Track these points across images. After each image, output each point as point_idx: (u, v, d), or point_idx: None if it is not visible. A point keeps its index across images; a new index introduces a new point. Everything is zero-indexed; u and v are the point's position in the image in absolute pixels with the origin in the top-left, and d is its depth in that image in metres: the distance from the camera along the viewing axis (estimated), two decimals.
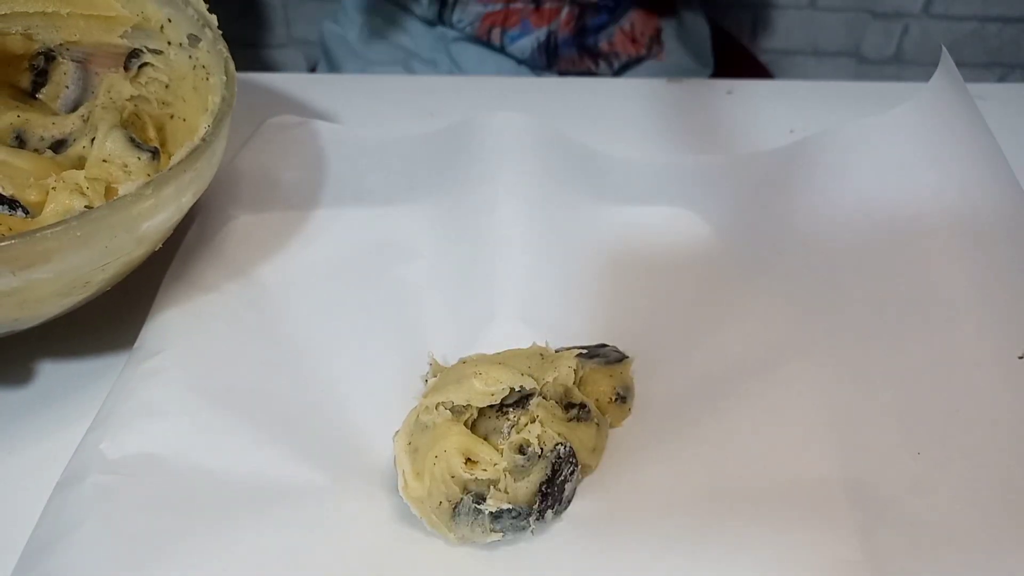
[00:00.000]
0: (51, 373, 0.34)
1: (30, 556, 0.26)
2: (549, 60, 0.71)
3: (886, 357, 0.31)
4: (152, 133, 0.37)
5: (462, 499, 0.26)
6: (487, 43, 0.71)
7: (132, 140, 0.35)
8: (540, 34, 0.70)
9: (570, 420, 0.29)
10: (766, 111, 0.47)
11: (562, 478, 0.27)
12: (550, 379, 0.29)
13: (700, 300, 0.36)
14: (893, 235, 0.34)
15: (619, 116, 0.48)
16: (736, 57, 0.80)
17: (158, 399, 0.30)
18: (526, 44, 0.71)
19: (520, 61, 0.72)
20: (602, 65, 0.72)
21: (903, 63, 1.18)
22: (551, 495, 0.27)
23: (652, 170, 0.42)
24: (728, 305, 0.35)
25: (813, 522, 0.27)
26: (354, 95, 0.49)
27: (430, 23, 0.72)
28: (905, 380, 0.30)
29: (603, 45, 0.72)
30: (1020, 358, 0.29)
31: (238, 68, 0.35)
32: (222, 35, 0.35)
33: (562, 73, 0.71)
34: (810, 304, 0.34)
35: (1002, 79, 1.21)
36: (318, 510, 0.28)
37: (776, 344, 0.33)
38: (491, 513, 0.26)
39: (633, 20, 0.72)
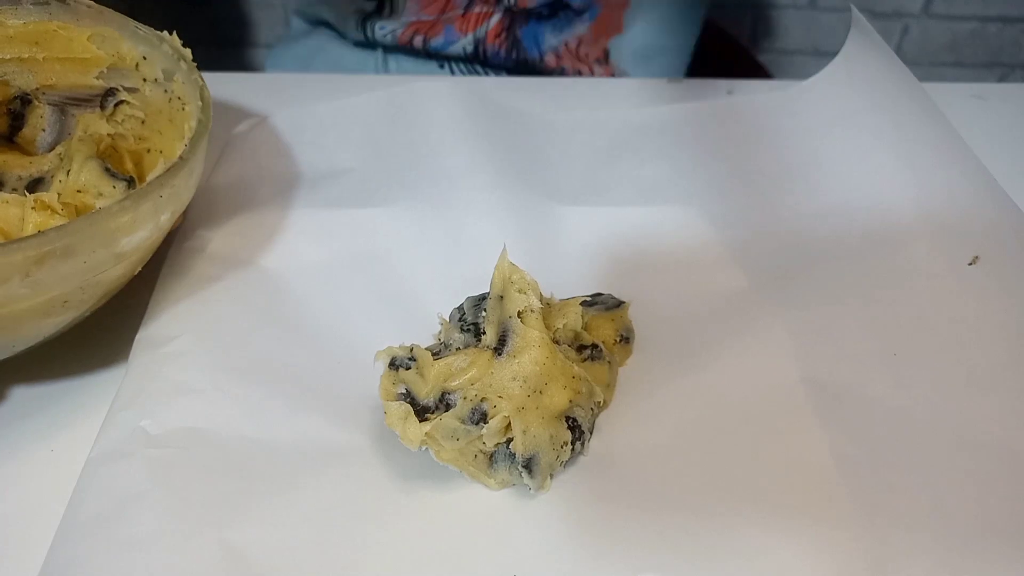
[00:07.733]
0: (24, 390, 0.33)
1: (80, 528, 0.26)
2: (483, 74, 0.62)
3: (850, 275, 0.34)
4: (129, 166, 0.37)
5: (496, 448, 0.28)
6: (412, 52, 0.63)
7: (107, 169, 0.34)
8: (466, 43, 0.61)
9: (584, 360, 0.31)
10: (766, 111, 0.47)
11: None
12: (560, 325, 0.30)
13: (696, 288, 0.37)
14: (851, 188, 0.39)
15: (619, 116, 0.47)
16: (736, 57, 0.80)
17: (190, 379, 0.31)
18: (453, 55, 0.62)
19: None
20: None
21: (903, 63, 1.17)
22: (575, 429, 0.28)
23: (653, 170, 0.42)
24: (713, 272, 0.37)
25: (784, 419, 0.30)
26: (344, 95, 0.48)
27: (361, 44, 0.65)
28: (872, 295, 0.34)
29: (548, 59, 0.62)
30: (969, 264, 0.33)
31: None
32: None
33: None
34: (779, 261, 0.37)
35: (1002, 79, 1.20)
36: (365, 468, 0.29)
37: (753, 285, 0.36)
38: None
39: (581, 37, 0.62)
